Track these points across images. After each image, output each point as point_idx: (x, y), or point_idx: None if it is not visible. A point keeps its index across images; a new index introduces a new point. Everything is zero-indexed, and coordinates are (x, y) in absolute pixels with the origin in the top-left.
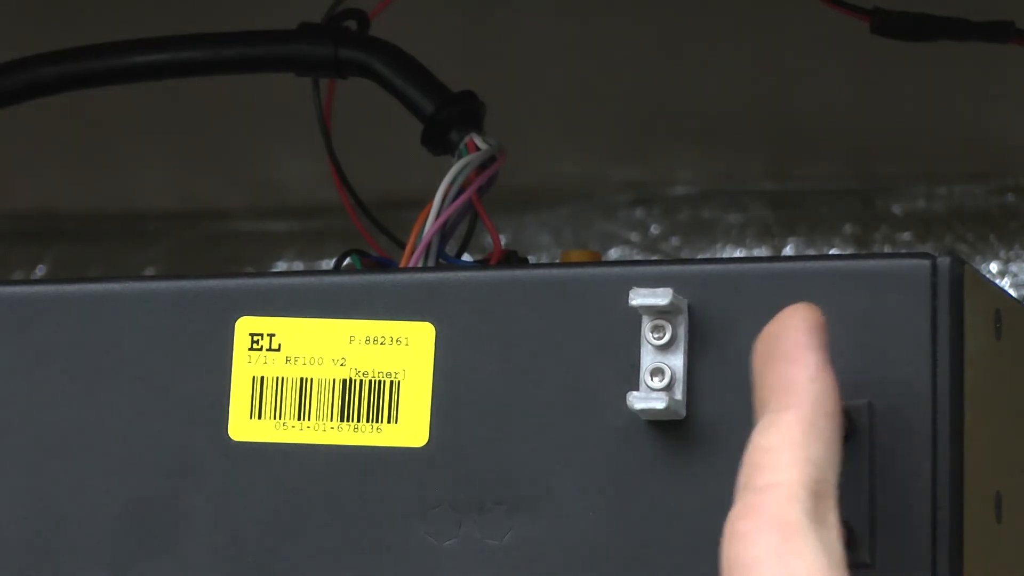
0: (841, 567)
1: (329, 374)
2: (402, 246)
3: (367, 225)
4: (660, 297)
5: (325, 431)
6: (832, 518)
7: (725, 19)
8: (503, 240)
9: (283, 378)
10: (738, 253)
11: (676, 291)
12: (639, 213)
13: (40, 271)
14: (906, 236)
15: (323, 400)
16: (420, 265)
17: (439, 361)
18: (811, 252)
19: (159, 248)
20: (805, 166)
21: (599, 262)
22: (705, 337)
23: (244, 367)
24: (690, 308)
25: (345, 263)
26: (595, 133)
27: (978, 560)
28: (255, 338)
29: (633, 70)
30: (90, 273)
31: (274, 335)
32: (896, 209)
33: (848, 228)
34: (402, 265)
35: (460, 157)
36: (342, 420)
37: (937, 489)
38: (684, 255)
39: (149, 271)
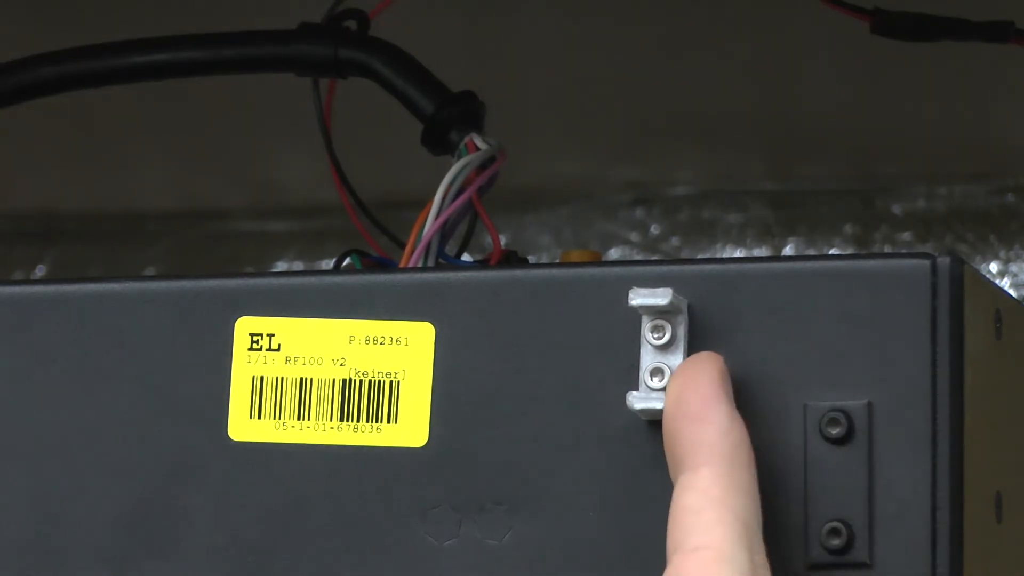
0: None
1: (329, 374)
2: (402, 246)
3: (367, 225)
4: (660, 297)
5: (325, 431)
6: (763, 573)
7: (725, 19)
8: (503, 240)
9: (283, 378)
10: (738, 253)
11: (676, 291)
12: (639, 213)
13: (40, 271)
14: (906, 236)
15: (323, 400)
16: (420, 265)
17: (439, 361)
18: (811, 252)
19: (159, 248)
20: (805, 166)
21: (599, 262)
22: (705, 337)
23: (244, 367)
24: (690, 308)
25: (345, 263)
26: (595, 133)
27: (978, 560)
28: (255, 338)
29: (633, 70)
30: (90, 273)
31: (274, 335)
32: (896, 209)
33: (848, 228)
34: (402, 265)
35: (460, 157)
36: (342, 420)
37: (937, 489)
38: (684, 255)
39: (149, 271)
